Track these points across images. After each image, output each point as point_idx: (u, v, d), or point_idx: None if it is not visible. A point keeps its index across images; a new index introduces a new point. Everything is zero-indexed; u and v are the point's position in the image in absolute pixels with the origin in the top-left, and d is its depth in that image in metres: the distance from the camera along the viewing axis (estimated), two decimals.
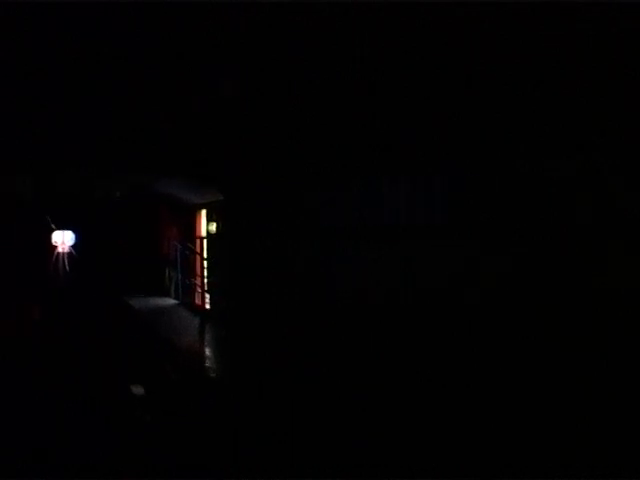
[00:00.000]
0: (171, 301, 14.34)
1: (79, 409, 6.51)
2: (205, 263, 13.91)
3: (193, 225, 14.11)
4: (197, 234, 14.04)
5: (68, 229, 19.52)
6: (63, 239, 19.66)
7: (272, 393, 6.63)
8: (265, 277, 9.53)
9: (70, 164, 10.23)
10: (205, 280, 13.62)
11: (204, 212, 14.07)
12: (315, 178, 8.13)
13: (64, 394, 7.13)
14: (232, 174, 10.04)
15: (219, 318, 11.22)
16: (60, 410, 6.47)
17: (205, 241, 13.56)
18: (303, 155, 8.02)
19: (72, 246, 19.68)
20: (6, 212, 16.38)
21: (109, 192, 13.65)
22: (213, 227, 12.76)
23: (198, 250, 13.49)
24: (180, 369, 8.50)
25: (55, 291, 17.31)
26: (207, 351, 9.49)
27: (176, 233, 14.75)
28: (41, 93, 5.96)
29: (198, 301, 13.53)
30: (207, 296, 13.16)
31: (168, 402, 6.99)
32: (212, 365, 8.47)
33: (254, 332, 9.49)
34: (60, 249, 19.67)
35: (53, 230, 19.25)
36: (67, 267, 19.61)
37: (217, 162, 9.73)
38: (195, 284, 13.26)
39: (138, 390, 7.78)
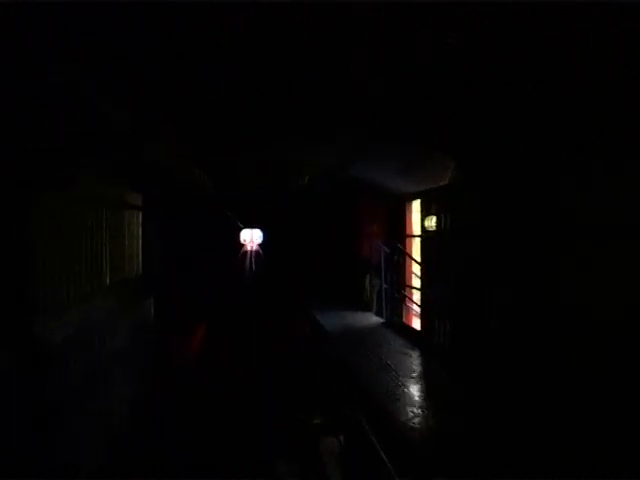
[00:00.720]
0: (373, 318, 11.32)
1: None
2: (416, 269, 10.89)
3: (401, 220, 11.14)
4: (407, 232, 11.04)
5: (255, 227, 18.65)
6: (251, 237, 18.86)
7: None
8: (522, 294, 6.01)
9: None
10: (417, 292, 10.56)
11: (416, 204, 10.99)
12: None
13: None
14: (475, 146, 6.69)
15: (441, 349, 7.98)
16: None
17: (418, 241, 10.53)
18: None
19: (260, 245, 18.73)
20: (197, 212, 15.65)
21: (296, 182, 11.42)
22: (431, 222, 9.58)
23: (409, 252, 10.43)
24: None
25: (240, 295, 16.18)
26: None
27: (379, 231, 11.94)
28: None
29: (411, 321, 10.53)
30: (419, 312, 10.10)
31: None
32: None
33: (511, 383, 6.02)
34: (248, 247, 18.91)
35: (241, 228, 18.49)
36: (254, 267, 18.62)
37: (453, 127, 6.52)
38: (406, 297, 10.24)
39: (330, 444, 6.32)
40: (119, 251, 8.36)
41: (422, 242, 9.97)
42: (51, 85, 3.92)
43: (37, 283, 4.84)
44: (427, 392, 6.53)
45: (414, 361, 7.88)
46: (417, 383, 6.82)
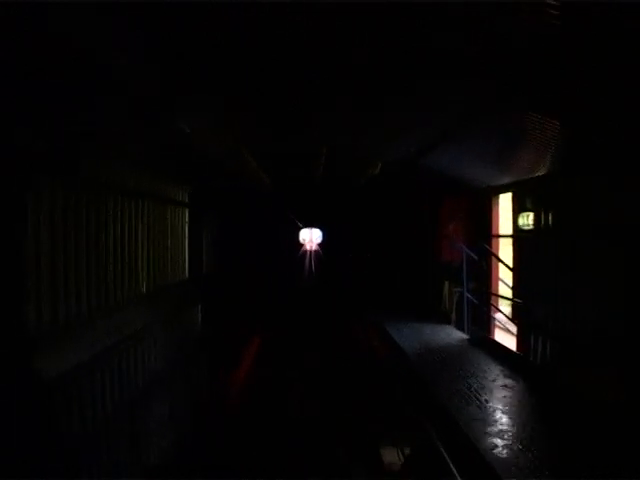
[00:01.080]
0: (455, 333, 9.33)
1: None
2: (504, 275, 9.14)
3: (486, 218, 9.40)
4: (493, 231, 9.29)
5: (314, 227, 17.60)
6: (311, 237, 17.84)
7: None
8: None
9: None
10: (503, 301, 8.80)
11: (504, 198, 9.25)
12: None
13: None
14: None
15: (556, 383, 6.17)
16: None
17: (505, 242, 8.80)
18: None
19: (319, 244, 17.60)
20: (253, 211, 14.56)
21: (365, 175, 9.93)
22: (527, 220, 7.85)
23: (497, 255, 8.69)
24: None
25: (298, 301, 14.78)
26: None
27: (458, 230, 10.23)
28: None
29: (494, 335, 8.79)
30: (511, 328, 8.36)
31: None
32: None
33: None
34: (307, 247, 17.87)
35: (300, 228, 17.42)
36: (313, 269, 17.39)
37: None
38: (496, 309, 8.48)
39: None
40: (160, 253, 7.26)
41: (516, 243, 8.23)
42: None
43: (31, 296, 3.67)
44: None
45: (522, 400, 5.77)
46: (543, 445, 4.52)
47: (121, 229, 5.69)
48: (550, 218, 7.06)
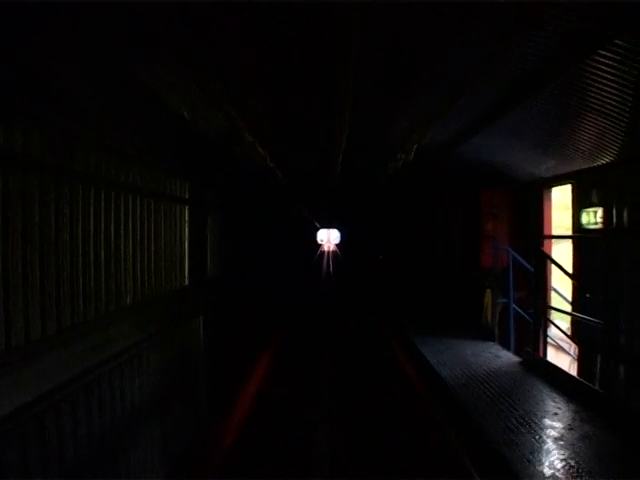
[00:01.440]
0: (502, 354, 7.58)
1: None
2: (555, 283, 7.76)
3: (536, 215, 8.03)
4: (544, 231, 7.92)
5: (332, 227, 16.62)
6: (328, 237, 16.96)
7: None
8: None
9: None
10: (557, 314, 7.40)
11: (556, 192, 7.90)
12: None
13: None
14: None
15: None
16: None
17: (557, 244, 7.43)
18: None
19: (337, 244, 16.67)
20: (265, 209, 13.33)
21: (393, 165, 8.60)
22: (594, 217, 6.50)
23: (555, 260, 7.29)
24: None
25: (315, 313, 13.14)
26: None
27: (499, 229, 8.84)
28: None
29: (556, 358, 7.38)
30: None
31: None
32: None
33: None
34: (325, 248, 16.98)
35: (318, 228, 16.37)
36: (331, 269, 16.26)
37: None
38: (552, 324, 7.04)
39: None
40: (151, 258, 6.07)
41: (577, 246, 6.87)
42: None
43: None
44: None
45: (629, 467, 4.06)
46: None
47: (95, 229, 4.53)
48: (628, 214, 5.71)
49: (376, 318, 12.07)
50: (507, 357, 7.21)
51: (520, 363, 6.82)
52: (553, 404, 5.37)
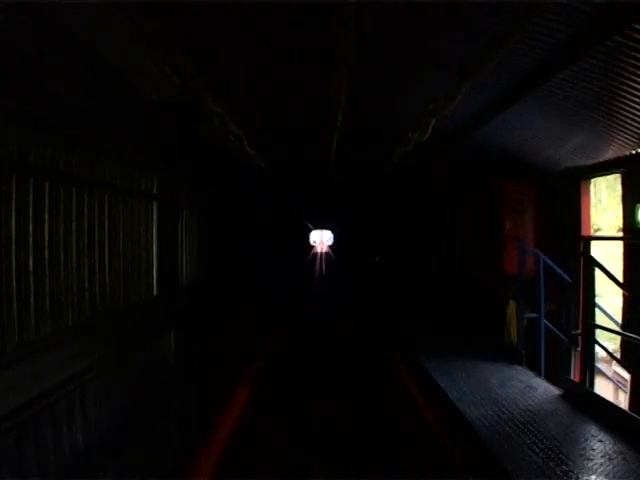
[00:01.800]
0: (532, 381, 6.04)
1: None
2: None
3: (572, 213, 6.78)
4: (582, 231, 6.66)
5: (325, 228, 16.09)
6: (321, 239, 16.48)
7: None
8: None
9: None
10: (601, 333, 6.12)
11: (594, 185, 6.66)
12: None
13: None
14: None
15: None
16: None
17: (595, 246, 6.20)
18: None
19: (330, 246, 16.04)
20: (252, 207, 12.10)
21: (400, 151, 7.33)
22: None
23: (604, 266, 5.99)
24: None
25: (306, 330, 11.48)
26: None
27: (525, 229, 7.55)
28: None
29: (606, 391, 6.08)
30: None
31: None
32: None
33: None
34: (318, 249, 16.45)
35: (310, 229, 15.63)
36: (324, 271, 15.30)
37: None
38: (600, 346, 5.69)
39: None
40: (106, 264, 4.83)
41: (628, 250, 5.63)
42: None
43: None
44: None
45: None
46: None
47: (18, 230, 3.40)
48: None
49: (375, 333, 10.66)
50: (543, 388, 5.79)
51: (562, 397, 5.46)
52: (615, 454, 4.06)
